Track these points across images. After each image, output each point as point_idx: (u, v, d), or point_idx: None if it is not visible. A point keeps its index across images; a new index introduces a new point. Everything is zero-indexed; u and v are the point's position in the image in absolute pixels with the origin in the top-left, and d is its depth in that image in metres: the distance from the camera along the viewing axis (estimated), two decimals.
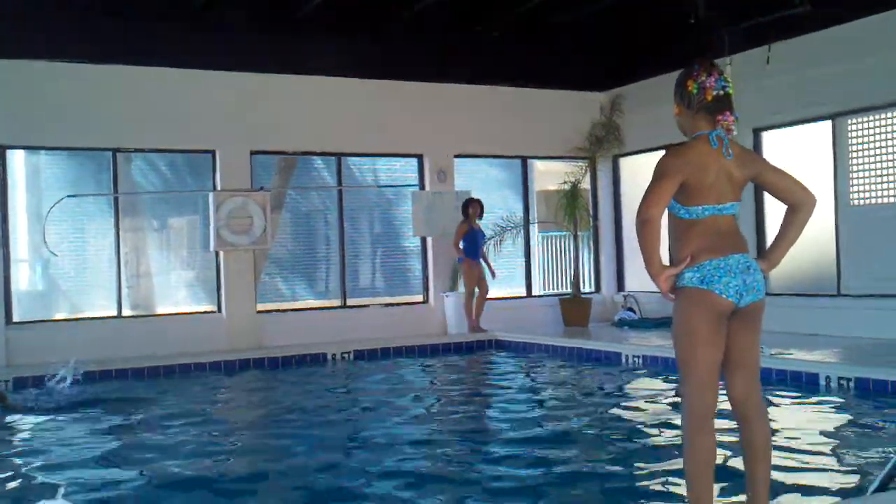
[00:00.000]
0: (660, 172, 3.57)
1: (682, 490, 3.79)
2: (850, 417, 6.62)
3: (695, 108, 3.66)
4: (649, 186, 3.55)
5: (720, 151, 3.58)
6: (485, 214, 12.28)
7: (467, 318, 12.04)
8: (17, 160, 11.01)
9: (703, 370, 3.55)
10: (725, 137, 3.62)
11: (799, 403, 7.15)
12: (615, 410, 7.37)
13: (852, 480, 4.78)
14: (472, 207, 12.10)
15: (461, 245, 12.00)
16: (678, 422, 3.75)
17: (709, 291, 3.51)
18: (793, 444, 5.59)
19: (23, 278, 10.97)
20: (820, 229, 9.75)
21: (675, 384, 8.02)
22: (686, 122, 3.73)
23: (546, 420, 7.01)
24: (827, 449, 5.58)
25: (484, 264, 12.14)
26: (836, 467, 5.09)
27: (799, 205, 3.70)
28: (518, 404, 7.95)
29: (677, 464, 4.89)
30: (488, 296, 12.18)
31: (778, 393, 7.40)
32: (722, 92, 3.64)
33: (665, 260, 3.57)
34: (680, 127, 3.79)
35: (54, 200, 10.79)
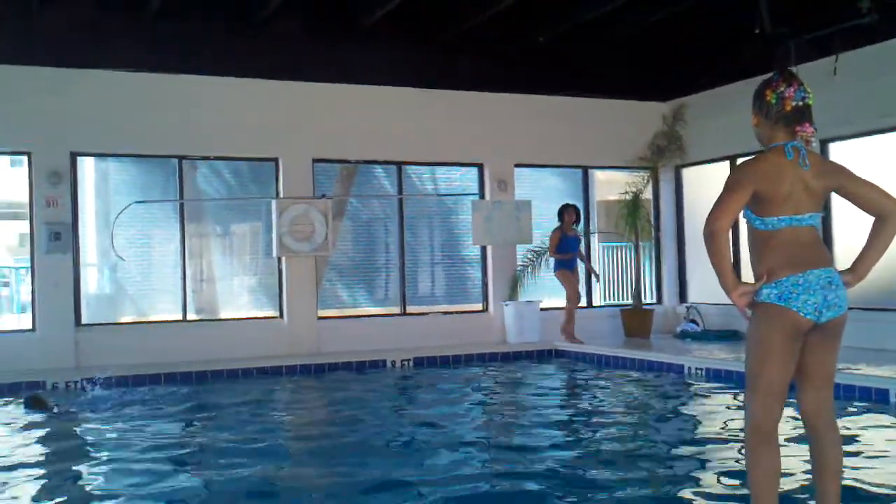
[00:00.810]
0: (729, 184, 3.52)
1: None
2: None
3: (773, 118, 3.60)
4: (718, 198, 3.50)
5: (796, 162, 3.51)
6: (548, 223, 12.20)
7: (567, 326, 11.78)
8: (86, 167, 11.29)
9: (772, 385, 3.50)
10: (803, 148, 3.54)
11: (868, 420, 6.97)
12: (677, 423, 7.28)
13: None
14: (566, 214, 11.89)
15: (556, 253, 11.85)
16: (742, 436, 3.69)
17: (787, 308, 3.45)
18: (863, 461, 5.46)
19: (91, 282, 11.23)
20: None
21: (739, 397, 7.90)
22: (764, 132, 3.66)
23: (605, 431, 6.94)
24: None
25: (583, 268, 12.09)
26: None
27: (886, 215, 3.57)
28: (577, 415, 7.91)
29: (741, 478, 4.83)
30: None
31: (846, 409, 7.23)
32: (801, 103, 3.58)
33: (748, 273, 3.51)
34: (758, 137, 3.72)
35: (122, 206, 11.03)
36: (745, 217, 3.60)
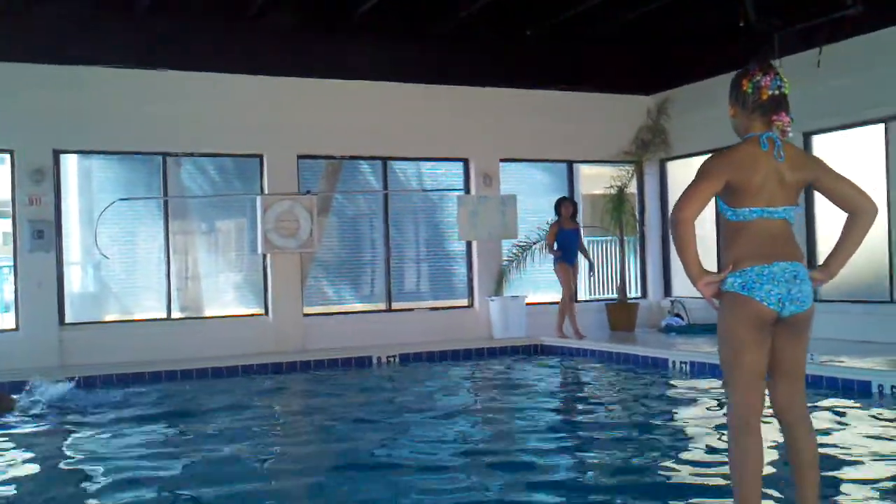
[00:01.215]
0: (700, 173, 3.52)
1: (729, 496, 3.74)
2: None
3: (749, 108, 3.57)
4: (687, 187, 3.50)
5: (771, 153, 3.49)
6: (533, 217, 12.16)
7: (558, 322, 11.72)
8: (69, 164, 11.21)
9: (745, 373, 3.50)
10: (778, 139, 3.52)
11: (851, 412, 7.01)
12: (661, 417, 7.29)
13: None
14: (563, 207, 11.74)
15: (555, 247, 11.69)
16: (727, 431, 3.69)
17: (750, 298, 3.44)
18: (844, 453, 5.48)
19: (75, 280, 11.18)
20: (872, 235, 9.54)
21: (723, 391, 7.92)
22: (741, 122, 3.64)
23: (590, 426, 6.96)
24: (880, 459, 5.46)
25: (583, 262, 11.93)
26: (891, 477, 4.98)
27: (859, 212, 3.57)
28: (561, 410, 7.93)
29: (724, 470, 4.84)
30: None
31: (828, 401, 7.27)
32: (777, 92, 3.55)
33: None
34: (734, 128, 3.70)
35: (106, 204, 10.96)
36: (718, 207, 3.59)
